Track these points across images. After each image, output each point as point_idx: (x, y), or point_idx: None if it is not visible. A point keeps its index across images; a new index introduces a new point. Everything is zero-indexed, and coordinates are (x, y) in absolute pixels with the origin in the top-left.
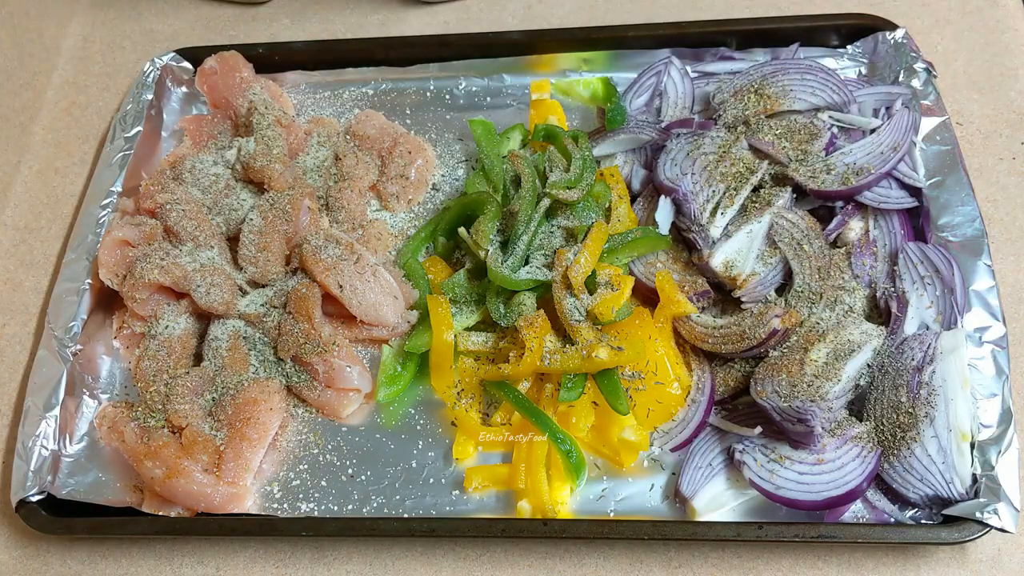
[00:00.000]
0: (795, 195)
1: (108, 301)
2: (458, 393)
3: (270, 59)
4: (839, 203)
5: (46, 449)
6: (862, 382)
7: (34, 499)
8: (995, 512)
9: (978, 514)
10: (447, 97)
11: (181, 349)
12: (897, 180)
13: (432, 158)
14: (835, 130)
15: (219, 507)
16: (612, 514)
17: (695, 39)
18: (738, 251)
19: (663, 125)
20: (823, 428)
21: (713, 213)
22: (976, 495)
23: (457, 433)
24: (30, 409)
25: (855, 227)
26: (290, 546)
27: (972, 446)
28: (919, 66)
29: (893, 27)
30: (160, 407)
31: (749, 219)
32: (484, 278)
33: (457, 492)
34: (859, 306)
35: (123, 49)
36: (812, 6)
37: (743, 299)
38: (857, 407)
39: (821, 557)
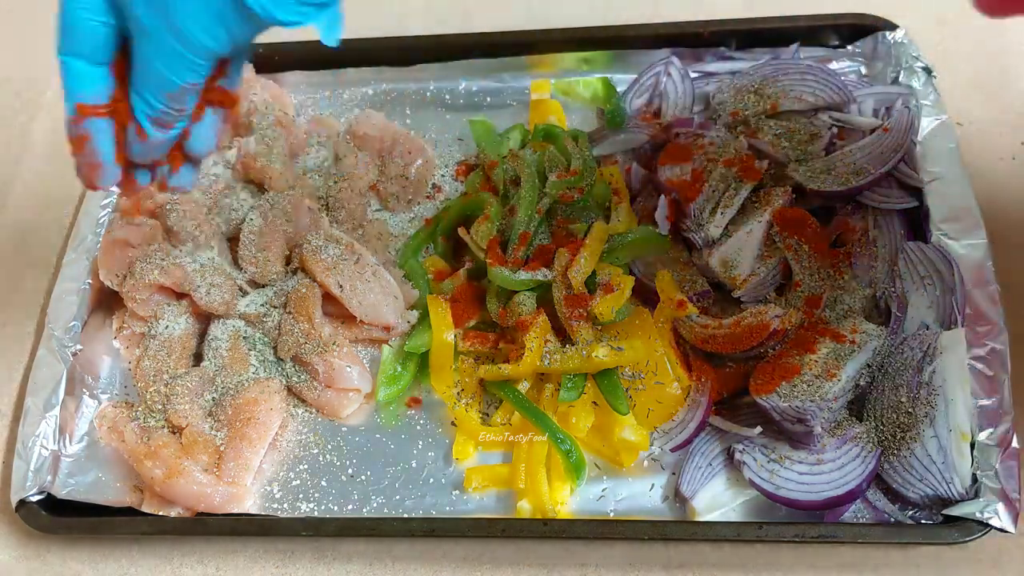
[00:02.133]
0: (795, 195)
1: (108, 301)
2: (458, 393)
3: (270, 59)
4: (839, 203)
5: (46, 449)
6: (862, 382)
7: (34, 499)
8: (995, 512)
9: (978, 514)
10: (447, 97)
11: (181, 349)
12: (897, 180)
13: (432, 158)
14: (835, 130)
15: (219, 507)
16: (612, 514)
17: (695, 39)
18: (738, 251)
19: (663, 124)
20: (823, 428)
21: (713, 213)
22: (976, 495)
23: (457, 433)
24: (30, 409)
25: (855, 227)
26: (290, 546)
27: (972, 446)
28: (919, 66)
29: (893, 27)
30: (160, 407)
31: (749, 219)
32: (484, 278)
33: (457, 492)
34: (859, 306)
35: None
36: (812, 6)
37: (743, 299)
38: (857, 407)
39: (821, 557)
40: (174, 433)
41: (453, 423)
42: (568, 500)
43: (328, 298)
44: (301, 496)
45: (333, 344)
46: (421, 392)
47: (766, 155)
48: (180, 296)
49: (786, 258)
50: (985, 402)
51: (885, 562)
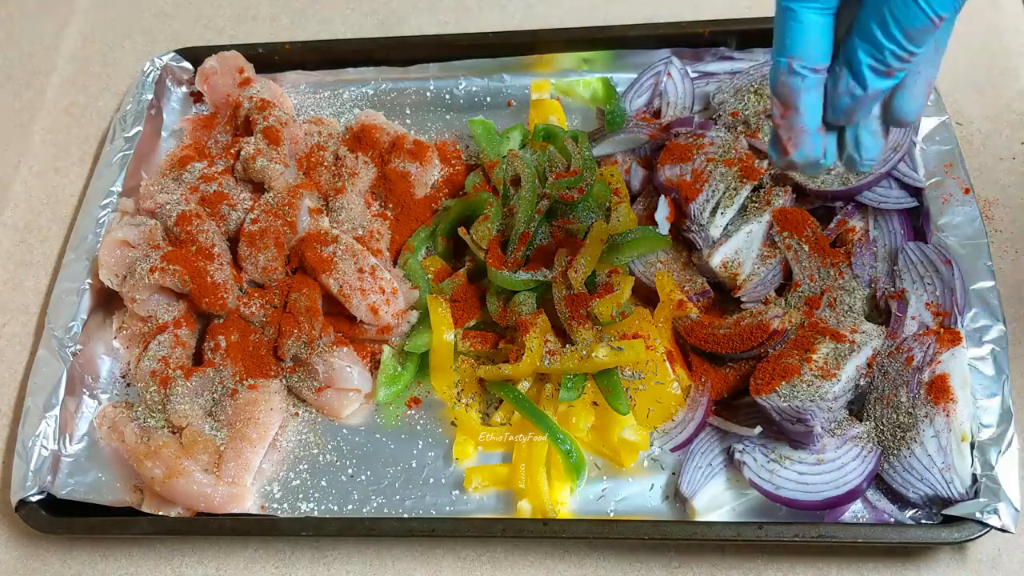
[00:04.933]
0: (795, 195)
1: (108, 301)
2: (458, 393)
3: (270, 59)
4: (839, 203)
5: (46, 449)
6: (862, 382)
7: (34, 499)
8: (995, 512)
9: (978, 514)
10: (447, 97)
11: (181, 349)
12: (897, 180)
13: (432, 158)
14: None
15: (219, 507)
16: (612, 514)
17: (695, 39)
18: (738, 251)
19: (663, 124)
20: (823, 428)
21: (713, 213)
22: (976, 495)
23: (457, 433)
24: (30, 409)
25: (855, 227)
26: (290, 546)
27: (972, 446)
28: None
29: None
30: (160, 407)
31: (749, 219)
32: (484, 278)
33: (457, 492)
34: (859, 306)
35: (123, 49)
36: None
37: (743, 299)
38: (857, 407)
39: (821, 557)
40: (174, 433)
41: (453, 423)
42: (568, 500)
43: (328, 298)
44: (301, 496)
45: (333, 344)
46: (421, 392)
47: (766, 155)
48: (180, 296)
49: (786, 258)
50: (985, 402)
51: (885, 562)
